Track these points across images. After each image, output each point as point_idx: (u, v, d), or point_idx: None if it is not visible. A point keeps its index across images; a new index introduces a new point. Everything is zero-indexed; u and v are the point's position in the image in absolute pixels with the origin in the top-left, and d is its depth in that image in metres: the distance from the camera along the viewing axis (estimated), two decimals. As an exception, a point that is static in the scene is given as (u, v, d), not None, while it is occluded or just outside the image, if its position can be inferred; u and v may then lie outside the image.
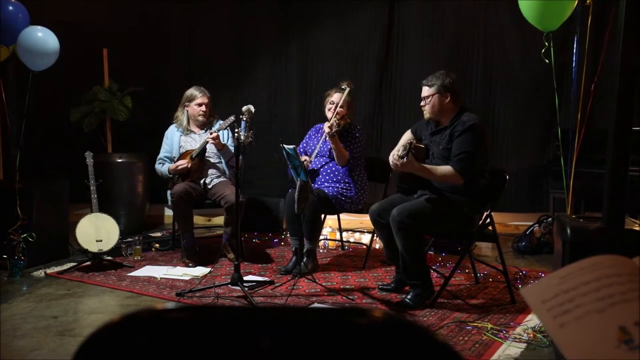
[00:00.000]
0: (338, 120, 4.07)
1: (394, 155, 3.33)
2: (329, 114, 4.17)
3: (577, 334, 0.71)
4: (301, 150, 4.37)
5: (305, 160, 4.10)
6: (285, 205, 4.28)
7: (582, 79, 3.88)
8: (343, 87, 4.16)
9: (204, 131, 4.61)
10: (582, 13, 3.95)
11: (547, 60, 3.74)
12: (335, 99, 4.17)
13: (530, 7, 3.77)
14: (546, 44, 3.77)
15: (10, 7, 4.19)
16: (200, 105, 4.54)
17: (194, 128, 4.63)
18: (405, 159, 3.22)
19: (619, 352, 0.68)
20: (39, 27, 4.30)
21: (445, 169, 3.33)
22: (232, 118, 4.13)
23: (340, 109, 4.12)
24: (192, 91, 4.58)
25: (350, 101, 4.20)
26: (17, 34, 4.20)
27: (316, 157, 4.28)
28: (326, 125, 4.05)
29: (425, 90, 3.50)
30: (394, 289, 3.71)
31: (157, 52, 6.19)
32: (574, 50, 3.93)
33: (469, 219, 3.48)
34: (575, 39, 3.94)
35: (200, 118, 4.56)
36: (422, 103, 3.52)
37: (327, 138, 4.04)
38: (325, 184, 4.16)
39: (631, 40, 2.53)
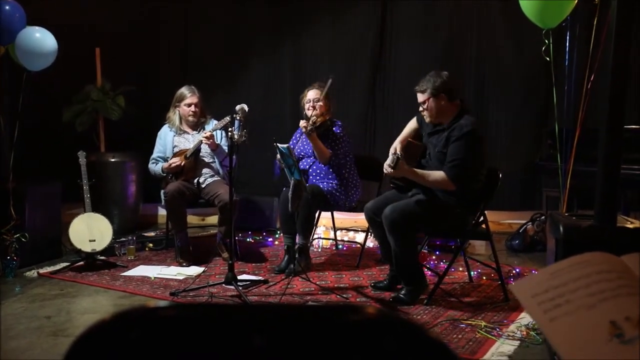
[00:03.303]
0: (315, 117, 4.06)
1: (386, 163, 3.35)
2: (309, 113, 4.16)
3: (568, 328, 0.71)
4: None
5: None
6: (279, 204, 4.27)
7: (585, 77, 3.88)
8: (317, 85, 4.20)
9: (197, 131, 4.59)
10: (579, 10, 3.94)
11: (547, 58, 3.73)
12: (312, 96, 4.18)
13: (531, 4, 3.76)
14: (546, 41, 3.76)
15: (7, 7, 4.18)
16: (189, 105, 4.51)
17: (186, 128, 4.61)
18: (395, 169, 3.25)
19: (611, 346, 0.69)
20: (37, 28, 4.28)
21: (438, 174, 3.33)
22: (227, 119, 4.12)
23: (320, 104, 4.11)
24: (182, 91, 4.55)
25: (327, 96, 4.18)
26: (13, 33, 4.19)
27: (303, 158, 4.27)
28: (302, 122, 4.04)
29: (420, 97, 3.46)
30: (388, 286, 3.71)
31: (150, 51, 6.17)
32: (566, 48, 3.93)
33: (462, 218, 3.49)
34: (568, 36, 3.93)
35: (191, 118, 4.54)
36: (421, 108, 3.49)
37: (305, 136, 4.04)
38: (318, 182, 4.16)
39: (623, 41, 2.55)
